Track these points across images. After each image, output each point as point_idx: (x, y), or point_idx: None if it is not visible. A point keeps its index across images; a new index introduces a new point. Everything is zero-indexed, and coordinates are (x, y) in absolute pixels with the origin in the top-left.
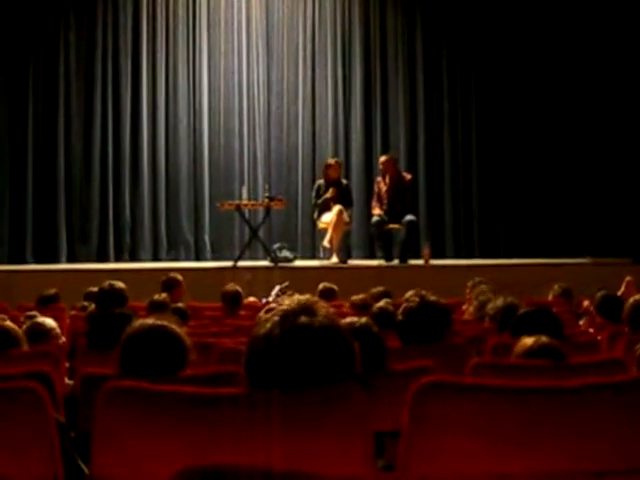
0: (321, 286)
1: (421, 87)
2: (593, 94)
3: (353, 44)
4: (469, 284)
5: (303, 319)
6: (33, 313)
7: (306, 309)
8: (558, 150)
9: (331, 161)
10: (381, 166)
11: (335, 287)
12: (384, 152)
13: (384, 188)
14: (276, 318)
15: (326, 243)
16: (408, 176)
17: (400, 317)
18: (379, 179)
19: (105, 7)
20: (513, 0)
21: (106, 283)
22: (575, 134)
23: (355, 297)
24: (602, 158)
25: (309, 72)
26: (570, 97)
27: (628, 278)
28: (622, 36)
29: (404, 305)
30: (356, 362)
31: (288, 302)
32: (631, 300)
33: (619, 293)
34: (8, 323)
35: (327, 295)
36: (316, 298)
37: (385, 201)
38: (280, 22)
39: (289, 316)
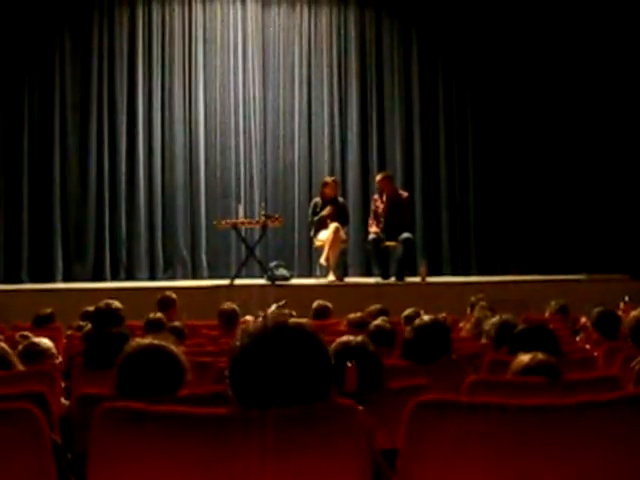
0: (315, 304)
1: (417, 105)
2: (589, 109)
3: (349, 62)
4: (472, 299)
5: (280, 320)
6: (26, 333)
7: (279, 316)
8: (555, 167)
9: (328, 179)
10: (377, 184)
11: (330, 305)
12: (380, 170)
13: (381, 206)
14: (255, 324)
15: (323, 261)
16: (405, 194)
17: (409, 334)
18: (376, 197)
19: (101, 25)
20: (508, 15)
21: (102, 302)
22: (571, 150)
23: (352, 315)
24: (599, 174)
25: (305, 90)
26: (566, 112)
27: (626, 299)
28: (617, 53)
29: (416, 322)
30: (332, 361)
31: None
32: (632, 315)
33: (620, 312)
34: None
35: (321, 313)
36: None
37: (382, 219)
38: (276, 40)
39: (268, 319)
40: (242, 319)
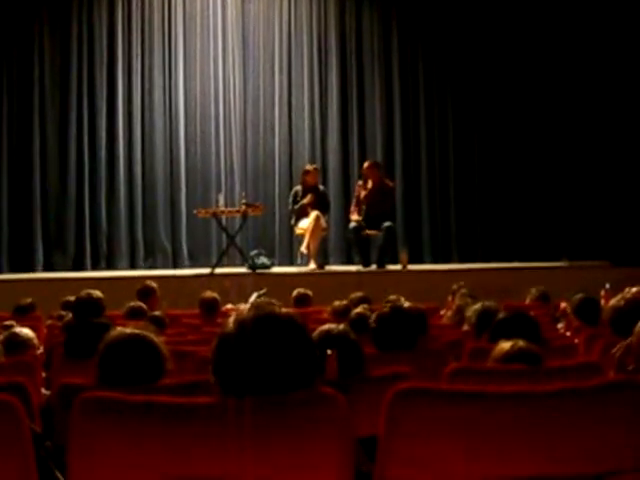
0: (295, 292)
1: (397, 93)
2: (568, 98)
3: (329, 50)
4: (454, 286)
5: (269, 309)
6: (10, 323)
7: (268, 306)
8: (534, 154)
9: (309, 167)
10: (364, 171)
11: (310, 293)
12: (361, 158)
13: (363, 193)
14: (245, 313)
15: (303, 249)
16: (390, 183)
17: (373, 324)
18: (360, 183)
19: (80, 15)
20: (489, 6)
21: (83, 292)
22: (550, 137)
23: (337, 303)
24: (578, 162)
25: (285, 78)
26: (546, 100)
27: (607, 286)
28: (600, 45)
29: (377, 312)
30: (317, 352)
31: (249, 305)
32: (611, 304)
33: (600, 299)
34: None
35: (302, 301)
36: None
37: (364, 206)
38: (256, 28)
39: (257, 308)
40: (223, 308)
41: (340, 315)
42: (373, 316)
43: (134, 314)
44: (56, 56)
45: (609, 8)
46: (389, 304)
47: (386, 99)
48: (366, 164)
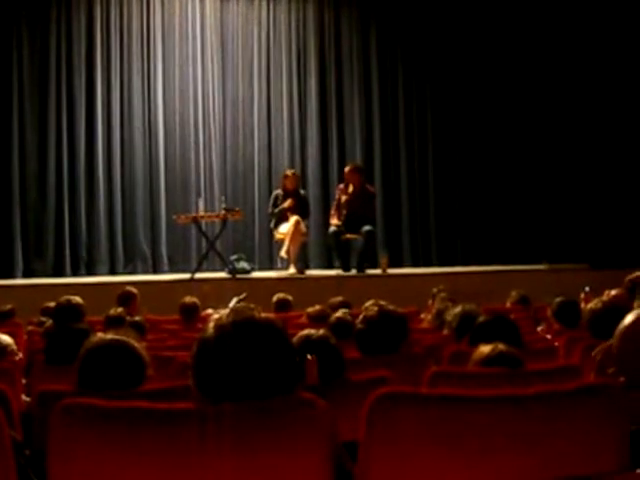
0: (276, 297)
1: (376, 98)
2: (548, 102)
3: (308, 55)
4: (434, 290)
5: (249, 314)
6: None
7: (247, 311)
8: (514, 158)
9: (289, 172)
10: (345, 175)
11: (290, 298)
12: (340, 163)
13: (344, 197)
14: (224, 317)
15: (283, 254)
16: (371, 189)
17: (360, 326)
18: (341, 186)
19: (58, 20)
20: (469, 9)
21: (63, 298)
22: (529, 141)
23: (311, 309)
24: (558, 166)
25: (264, 83)
26: (526, 105)
27: (587, 289)
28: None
29: (363, 314)
30: (297, 358)
31: (228, 310)
32: (589, 307)
33: (581, 302)
34: None
35: (282, 306)
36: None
37: (344, 211)
38: (235, 34)
39: (237, 313)
40: (203, 313)
41: (317, 320)
42: (360, 318)
43: (113, 323)
44: (34, 63)
45: (598, 8)
46: (376, 308)
47: (365, 103)
48: (347, 168)
